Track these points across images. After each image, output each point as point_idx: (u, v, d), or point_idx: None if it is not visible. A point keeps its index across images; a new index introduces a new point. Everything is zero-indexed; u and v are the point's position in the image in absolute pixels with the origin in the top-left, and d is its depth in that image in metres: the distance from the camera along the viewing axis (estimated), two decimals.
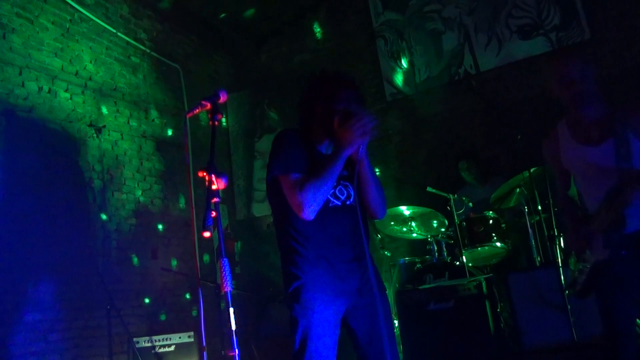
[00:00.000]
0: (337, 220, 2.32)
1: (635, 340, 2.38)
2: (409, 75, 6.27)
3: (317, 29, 6.94)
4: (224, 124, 7.12)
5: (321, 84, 2.46)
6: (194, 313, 5.67)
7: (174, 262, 5.66)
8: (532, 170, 4.17)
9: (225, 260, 1.98)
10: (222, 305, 5.66)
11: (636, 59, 5.12)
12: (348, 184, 2.38)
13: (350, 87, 2.46)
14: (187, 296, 5.67)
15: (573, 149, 2.57)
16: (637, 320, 2.37)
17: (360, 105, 2.39)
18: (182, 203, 5.99)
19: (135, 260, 5.26)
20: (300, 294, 2.27)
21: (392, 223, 4.93)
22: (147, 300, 5.27)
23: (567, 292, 2.98)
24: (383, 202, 2.45)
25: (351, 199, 2.36)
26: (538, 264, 4.32)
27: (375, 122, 2.24)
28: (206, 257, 6.03)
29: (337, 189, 2.36)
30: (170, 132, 6.06)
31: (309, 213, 2.23)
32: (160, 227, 5.65)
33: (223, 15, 6.69)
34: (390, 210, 4.86)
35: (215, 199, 1.99)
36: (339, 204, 2.35)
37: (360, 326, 2.33)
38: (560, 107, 2.63)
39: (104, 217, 5.06)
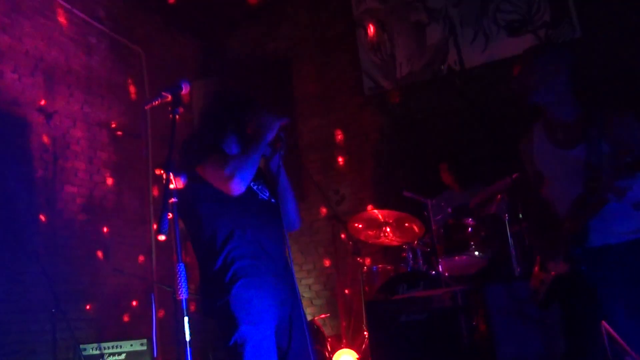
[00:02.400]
0: (269, 216, 2.44)
1: (600, 350, 2.45)
2: (389, 69, 6.33)
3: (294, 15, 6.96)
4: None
5: (231, 105, 2.58)
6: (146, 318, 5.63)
7: (126, 263, 5.61)
8: (514, 176, 4.26)
9: (182, 266, 2.00)
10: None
11: (628, 60, 5.25)
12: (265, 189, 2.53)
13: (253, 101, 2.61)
14: (143, 300, 5.64)
15: (546, 151, 2.62)
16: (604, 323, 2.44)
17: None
18: (138, 199, 5.94)
19: (84, 259, 5.21)
20: (249, 304, 2.25)
21: (366, 228, 4.98)
22: (96, 304, 5.23)
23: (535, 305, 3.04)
24: (299, 214, 2.61)
25: (272, 199, 2.51)
26: (517, 275, 4.41)
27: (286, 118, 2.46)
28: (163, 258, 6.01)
29: (259, 185, 2.50)
30: (128, 121, 6.00)
31: (238, 184, 2.26)
32: (114, 224, 5.61)
33: None
34: (364, 214, 4.91)
35: (172, 199, 2.01)
36: (266, 198, 2.48)
37: (282, 342, 2.36)
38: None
39: (53, 211, 5.00)
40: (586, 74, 5.25)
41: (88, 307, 5.16)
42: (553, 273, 2.54)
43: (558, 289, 2.55)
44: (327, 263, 6.25)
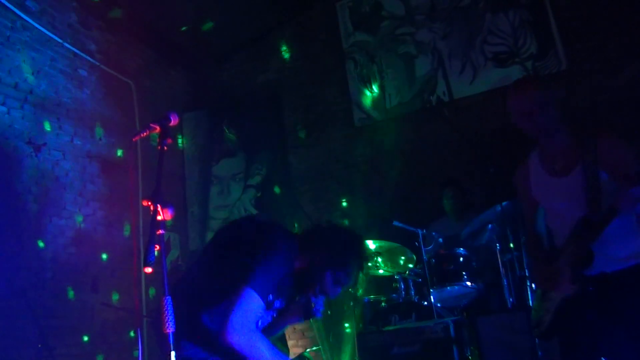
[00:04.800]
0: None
1: None
2: (379, 100, 6.38)
3: (283, 48, 7.03)
4: (180, 144, 7.11)
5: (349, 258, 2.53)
6: (136, 354, 5.53)
7: (115, 296, 5.53)
8: (503, 204, 4.26)
9: (169, 299, 1.96)
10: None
11: (614, 92, 5.32)
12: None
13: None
14: (132, 334, 5.55)
15: (542, 181, 2.65)
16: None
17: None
18: (127, 231, 5.89)
19: (71, 293, 5.13)
20: None
21: None
22: (84, 339, 5.13)
23: (537, 337, 3.01)
24: None
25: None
26: (510, 306, 4.38)
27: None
28: (152, 291, 5.93)
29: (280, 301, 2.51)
30: (118, 153, 5.99)
31: (233, 340, 2.19)
32: (102, 257, 5.55)
33: (184, 28, 6.71)
34: None
35: (160, 231, 1.99)
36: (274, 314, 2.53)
37: None
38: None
39: (41, 244, 4.94)
40: (572, 105, 5.34)
41: (75, 342, 5.06)
42: (557, 301, 2.52)
43: (562, 315, 2.52)
44: None
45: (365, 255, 2.71)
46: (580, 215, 2.42)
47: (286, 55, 7.00)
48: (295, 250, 2.44)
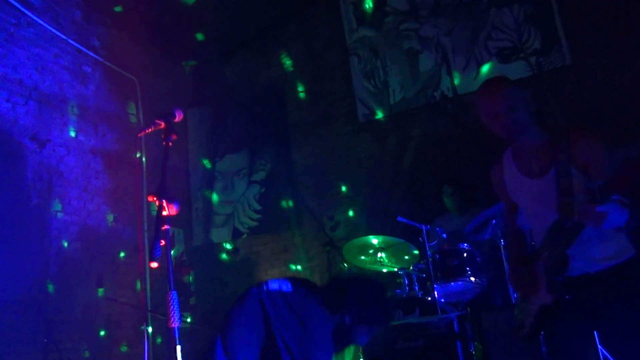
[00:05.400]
0: None
1: None
2: (383, 95, 6.38)
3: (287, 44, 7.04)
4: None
5: None
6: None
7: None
8: None
9: (174, 294, 1.98)
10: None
11: (618, 87, 5.30)
12: None
13: None
14: (143, 328, 5.58)
15: (516, 181, 2.61)
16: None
17: None
18: (132, 226, 5.91)
19: (77, 288, 5.15)
20: None
21: (361, 253, 4.95)
22: (90, 333, 5.16)
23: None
24: None
25: None
26: (514, 301, 4.38)
27: None
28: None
29: None
30: (122, 149, 6.00)
31: None
32: (107, 252, 5.57)
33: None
34: (358, 240, 4.89)
35: (165, 226, 2.00)
36: None
37: None
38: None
39: (46, 241, 4.96)
40: (576, 101, 5.33)
41: (81, 337, 5.08)
42: (537, 305, 2.51)
43: (543, 320, 2.51)
44: None
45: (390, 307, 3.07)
46: (555, 217, 2.38)
47: (290, 52, 7.00)
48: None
